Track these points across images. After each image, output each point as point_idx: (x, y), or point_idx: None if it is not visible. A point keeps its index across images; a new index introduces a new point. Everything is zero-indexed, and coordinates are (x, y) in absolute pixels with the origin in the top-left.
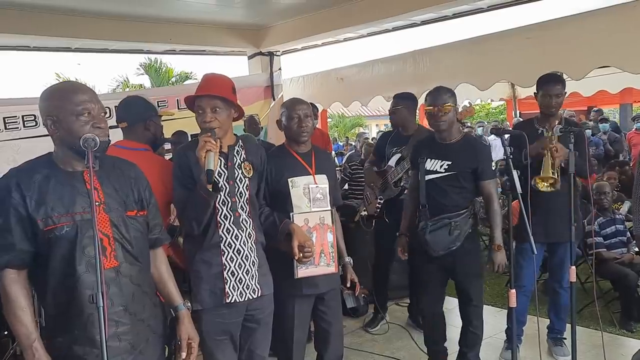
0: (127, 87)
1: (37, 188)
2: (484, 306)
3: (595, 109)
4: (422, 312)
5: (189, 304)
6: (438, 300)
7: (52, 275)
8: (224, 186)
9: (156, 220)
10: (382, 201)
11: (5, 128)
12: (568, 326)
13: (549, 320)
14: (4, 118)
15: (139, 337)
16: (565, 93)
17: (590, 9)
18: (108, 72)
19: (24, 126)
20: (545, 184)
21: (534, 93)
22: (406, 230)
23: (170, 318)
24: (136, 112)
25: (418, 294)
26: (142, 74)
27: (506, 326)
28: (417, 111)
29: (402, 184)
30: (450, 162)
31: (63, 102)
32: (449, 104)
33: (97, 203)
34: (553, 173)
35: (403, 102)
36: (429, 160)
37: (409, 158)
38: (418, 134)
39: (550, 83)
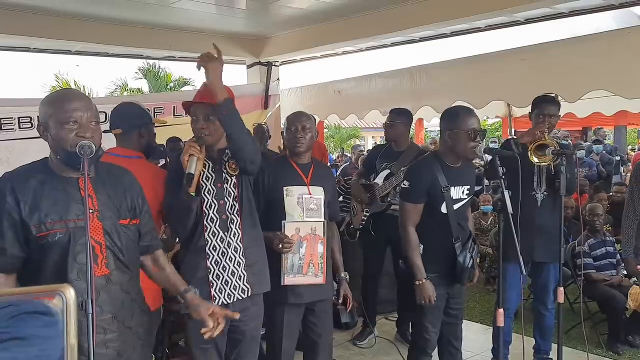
0: (126, 90)
1: (32, 193)
2: (473, 324)
3: (598, 127)
4: (425, 349)
5: (198, 290)
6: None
7: (44, 282)
8: (211, 189)
9: (149, 226)
10: (368, 214)
11: (1, 129)
12: (555, 346)
13: (534, 340)
14: (0, 119)
15: (126, 344)
16: (560, 116)
17: (585, 33)
18: (107, 75)
19: (20, 127)
20: (540, 154)
21: (529, 113)
22: (425, 273)
23: (158, 326)
24: (131, 119)
25: (424, 320)
26: (141, 78)
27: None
28: (413, 127)
29: (389, 199)
30: (469, 187)
31: (54, 110)
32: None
33: (90, 211)
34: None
35: (400, 117)
36: (452, 188)
37: (416, 189)
38: (410, 150)
39: (545, 103)
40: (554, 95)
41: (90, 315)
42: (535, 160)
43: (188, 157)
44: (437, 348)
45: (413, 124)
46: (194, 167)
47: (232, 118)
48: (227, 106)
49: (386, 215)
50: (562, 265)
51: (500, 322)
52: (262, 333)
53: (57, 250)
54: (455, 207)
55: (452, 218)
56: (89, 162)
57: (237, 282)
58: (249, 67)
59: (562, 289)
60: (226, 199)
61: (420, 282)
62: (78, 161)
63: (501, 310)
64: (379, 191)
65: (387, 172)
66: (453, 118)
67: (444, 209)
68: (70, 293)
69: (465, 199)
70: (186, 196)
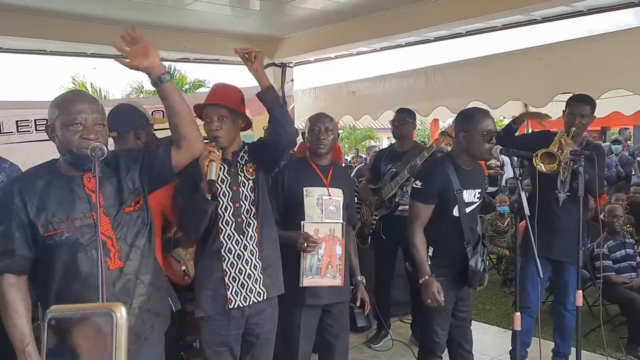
0: (141, 92)
1: (38, 194)
2: (490, 327)
3: (623, 127)
4: (435, 351)
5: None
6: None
7: (53, 281)
8: (226, 192)
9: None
10: (377, 217)
11: (18, 131)
12: (573, 349)
13: (553, 343)
14: (17, 121)
15: (144, 326)
16: (593, 117)
17: (603, 31)
18: (123, 77)
19: (36, 129)
20: (544, 162)
21: (563, 111)
22: (429, 271)
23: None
24: (126, 120)
25: (432, 323)
26: None
27: (511, 347)
28: (428, 127)
29: (396, 200)
30: (480, 190)
31: (60, 111)
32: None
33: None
34: (557, 154)
35: (409, 116)
36: (465, 191)
37: (427, 190)
38: (414, 149)
39: (578, 102)
40: (570, 94)
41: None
42: (542, 168)
43: (208, 162)
44: (447, 350)
45: (428, 124)
46: (214, 172)
47: (275, 100)
48: (271, 90)
49: (394, 216)
50: (581, 268)
51: (517, 325)
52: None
53: (65, 249)
54: (467, 210)
55: (464, 221)
56: (100, 163)
57: (253, 285)
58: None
59: (580, 291)
60: (242, 202)
61: (424, 279)
62: (83, 162)
63: (518, 314)
64: (385, 192)
65: (393, 171)
66: (468, 119)
67: (455, 212)
68: (122, 312)
69: (477, 202)
70: (202, 200)
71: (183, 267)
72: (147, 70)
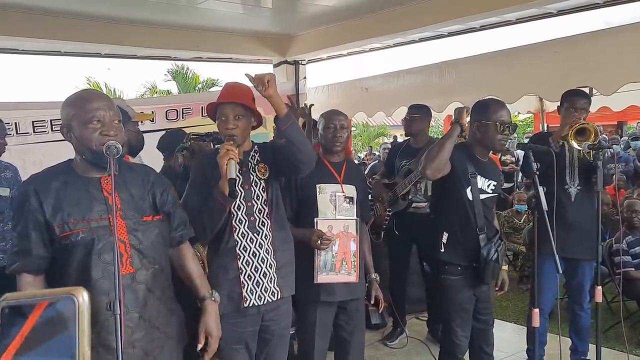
0: (155, 92)
1: (54, 194)
2: (507, 324)
3: None
4: (456, 353)
5: (217, 295)
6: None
7: (68, 281)
8: (239, 191)
9: (180, 217)
10: (390, 213)
11: (34, 131)
12: (592, 347)
13: (570, 340)
14: (33, 122)
15: (154, 343)
16: (589, 110)
17: (619, 23)
18: (137, 78)
19: (52, 130)
20: (580, 139)
21: (557, 107)
22: (450, 268)
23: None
24: None
25: (452, 324)
26: (170, 80)
27: (527, 345)
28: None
29: (410, 197)
30: (495, 183)
31: (76, 110)
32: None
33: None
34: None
35: (419, 111)
36: (479, 177)
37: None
38: (428, 146)
39: (575, 97)
40: (588, 88)
41: (119, 315)
42: (575, 145)
43: (227, 160)
44: (468, 353)
45: (442, 120)
46: (234, 170)
47: (294, 128)
48: (289, 118)
49: (408, 213)
50: (600, 264)
51: (536, 322)
52: (291, 332)
53: (80, 249)
54: (482, 197)
55: (478, 206)
56: (115, 161)
57: (267, 284)
58: (275, 66)
59: (600, 287)
60: (254, 201)
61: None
62: (104, 160)
63: (536, 310)
64: (399, 189)
65: (406, 169)
66: (482, 109)
67: (469, 195)
68: (84, 297)
69: (491, 193)
70: (222, 198)
71: (201, 263)
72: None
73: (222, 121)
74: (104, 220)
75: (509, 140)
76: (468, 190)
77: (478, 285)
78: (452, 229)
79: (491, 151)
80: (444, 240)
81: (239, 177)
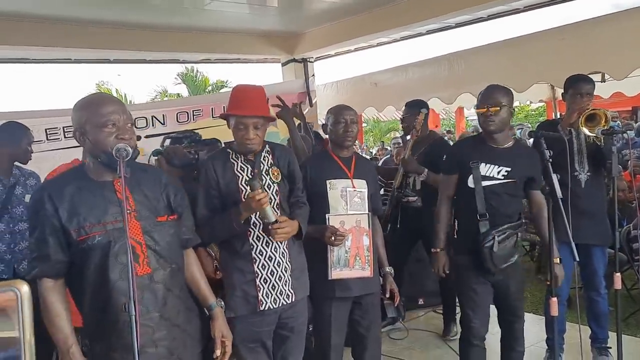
0: (166, 96)
1: (69, 199)
2: (526, 315)
3: None
4: (467, 336)
5: (222, 303)
6: (487, 323)
7: (88, 284)
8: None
9: (188, 221)
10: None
11: (47, 139)
12: (612, 334)
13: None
14: (46, 129)
15: (176, 342)
16: (593, 95)
17: (629, 6)
18: (147, 83)
19: (65, 137)
20: (590, 125)
21: (562, 94)
22: (445, 244)
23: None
24: None
25: (467, 309)
26: (180, 84)
27: (546, 334)
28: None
29: (402, 190)
30: (509, 169)
31: (89, 114)
32: (499, 104)
33: (128, 211)
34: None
35: (411, 109)
36: (483, 164)
37: (448, 160)
38: (425, 139)
39: (579, 82)
40: (600, 73)
41: (133, 316)
42: (586, 131)
43: (260, 206)
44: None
45: (453, 113)
46: (271, 214)
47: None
48: (302, 233)
49: (405, 206)
50: (618, 250)
51: (554, 311)
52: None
53: (97, 252)
54: (485, 183)
55: (479, 193)
56: (125, 164)
57: (283, 287)
58: (283, 64)
59: (619, 274)
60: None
61: (434, 251)
62: (116, 162)
63: (554, 299)
64: (394, 182)
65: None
66: (478, 99)
67: (470, 183)
68: (24, 288)
69: (500, 179)
70: (237, 224)
71: (215, 263)
72: None
73: (240, 130)
74: (119, 223)
75: (520, 129)
76: (470, 178)
77: (487, 272)
78: (459, 215)
79: (495, 133)
80: (456, 226)
81: (276, 215)
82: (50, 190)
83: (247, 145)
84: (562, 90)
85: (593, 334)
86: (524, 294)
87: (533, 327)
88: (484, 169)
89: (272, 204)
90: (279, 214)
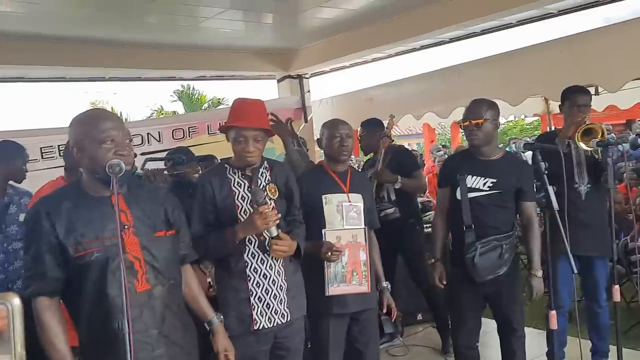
0: (162, 114)
1: (66, 215)
2: (526, 328)
3: None
4: (456, 346)
5: (222, 317)
6: (475, 332)
7: (86, 301)
8: (248, 209)
9: (185, 237)
10: None
11: (42, 157)
12: (613, 347)
13: (590, 342)
14: (40, 148)
15: (174, 359)
16: (590, 106)
17: (620, 19)
18: (143, 100)
19: (60, 155)
20: (587, 139)
21: (559, 105)
22: (441, 254)
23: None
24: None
25: (453, 324)
26: (176, 101)
27: (546, 348)
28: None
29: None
30: (494, 180)
31: (87, 129)
32: (483, 118)
33: (126, 226)
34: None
35: (368, 128)
36: (469, 176)
37: (441, 174)
38: (391, 149)
39: (575, 94)
40: (594, 86)
41: (127, 334)
42: (583, 146)
43: (265, 226)
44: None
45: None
46: (274, 230)
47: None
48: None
49: (385, 219)
50: (616, 262)
51: (553, 324)
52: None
53: (95, 268)
54: (471, 195)
55: (465, 205)
56: (119, 180)
57: (278, 306)
58: (279, 81)
59: (617, 287)
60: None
61: (430, 262)
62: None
63: (553, 312)
64: None
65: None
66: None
67: (458, 195)
68: (15, 301)
69: (486, 190)
70: (232, 244)
71: (209, 279)
72: None
73: (240, 143)
74: (117, 238)
75: (515, 142)
76: (457, 190)
77: (477, 283)
78: (452, 227)
79: (481, 147)
80: (451, 237)
81: (247, 194)
82: (47, 206)
83: (247, 158)
84: (557, 104)
85: (594, 347)
86: (521, 308)
87: (532, 341)
88: (470, 180)
89: None
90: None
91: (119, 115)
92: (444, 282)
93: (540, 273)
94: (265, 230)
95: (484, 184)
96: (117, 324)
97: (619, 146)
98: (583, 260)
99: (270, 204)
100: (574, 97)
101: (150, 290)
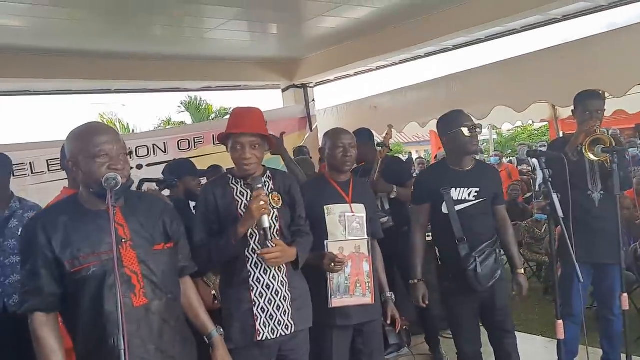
0: (169, 125)
1: (62, 229)
2: (535, 337)
3: None
4: (463, 355)
5: (222, 330)
6: (479, 338)
7: (83, 315)
8: (270, 245)
9: (184, 249)
10: None
11: (49, 170)
12: (623, 356)
13: (601, 350)
14: (47, 160)
15: None
16: (604, 110)
17: (625, 24)
18: (151, 112)
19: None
20: (592, 151)
21: (572, 110)
22: (422, 275)
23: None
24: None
25: (455, 335)
26: (183, 111)
27: (557, 358)
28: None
29: None
30: (478, 189)
31: (82, 144)
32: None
33: (123, 240)
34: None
35: (361, 139)
36: (453, 189)
37: (417, 191)
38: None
39: (589, 98)
40: (600, 91)
41: (122, 351)
42: (591, 156)
43: (260, 212)
44: None
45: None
46: (267, 220)
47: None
48: (300, 262)
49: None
50: (625, 269)
51: (560, 334)
52: None
53: (92, 283)
54: (458, 207)
55: (454, 218)
56: (115, 193)
57: (281, 316)
58: (283, 90)
59: (626, 294)
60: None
61: (412, 282)
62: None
63: (560, 322)
64: None
65: None
66: (445, 122)
67: (444, 209)
68: None
69: (472, 200)
70: (235, 240)
71: (213, 292)
72: None
73: (237, 150)
74: (114, 253)
75: (520, 148)
76: (443, 205)
77: (474, 293)
78: (440, 244)
79: (469, 156)
80: (438, 254)
81: (272, 224)
82: (44, 220)
83: (244, 165)
84: (564, 109)
85: (605, 355)
86: (510, 309)
87: (542, 351)
88: (455, 193)
89: (273, 230)
90: (277, 237)
91: (125, 127)
92: (427, 302)
93: (522, 270)
94: (259, 226)
95: (469, 194)
96: (112, 340)
97: (630, 150)
98: (597, 268)
99: (274, 212)
100: (586, 102)
101: (147, 304)
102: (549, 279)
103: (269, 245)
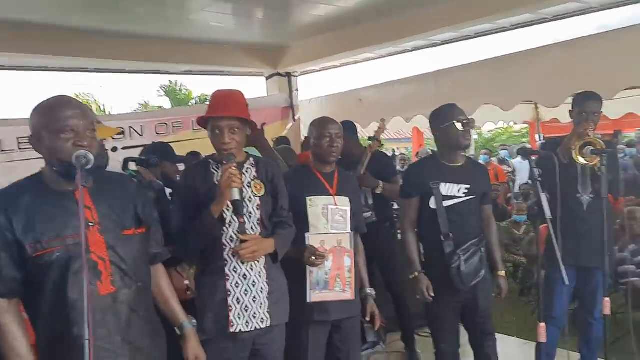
0: (146, 107)
1: (24, 211)
2: (512, 338)
3: None
4: (441, 355)
5: (195, 321)
6: (457, 339)
7: (45, 303)
8: (229, 207)
9: (157, 235)
10: None
11: (19, 148)
12: None
13: (579, 354)
14: (17, 138)
15: None
16: (601, 112)
17: (615, 27)
18: (129, 94)
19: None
20: (583, 155)
21: (569, 111)
22: (421, 266)
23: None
24: None
25: (435, 334)
26: (163, 96)
27: None
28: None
29: None
30: (468, 186)
31: (46, 119)
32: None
33: (91, 224)
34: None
35: (346, 133)
36: (443, 184)
37: (406, 184)
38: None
39: (587, 100)
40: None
41: (87, 341)
42: (581, 160)
43: (228, 184)
44: None
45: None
46: (237, 193)
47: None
48: (279, 254)
49: None
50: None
51: (542, 337)
52: None
53: (55, 269)
54: (447, 203)
55: (441, 214)
56: (85, 172)
57: (257, 309)
58: (267, 78)
59: (607, 299)
60: (246, 219)
61: (414, 276)
62: (75, 172)
63: (542, 324)
64: None
65: None
66: (437, 116)
67: (432, 204)
68: None
69: (461, 197)
70: (212, 222)
71: (186, 282)
72: None
73: (216, 135)
74: (80, 237)
75: (505, 150)
76: (432, 200)
77: (456, 292)
78: (424, 239)
79: (461, 151)
80: (422, 249)
81: (244, 203)
82: (4, 201)
83: (223, 150)
84: (546, 112)
85: (582, 359)
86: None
87: (516, 351)
88: (445, 188)
89: (253, 218)
90: (259, 230)
91: (101, 109)
92: (432, 295)
93: (504, 272)
94: (230, 199)
95: (459, 190)
96: (75, 329)
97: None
98: (582, 271)
99: (255, 201)
100: (583, 104)
101: (115, 293)
102: (525, 280)
103: (245, 216)
